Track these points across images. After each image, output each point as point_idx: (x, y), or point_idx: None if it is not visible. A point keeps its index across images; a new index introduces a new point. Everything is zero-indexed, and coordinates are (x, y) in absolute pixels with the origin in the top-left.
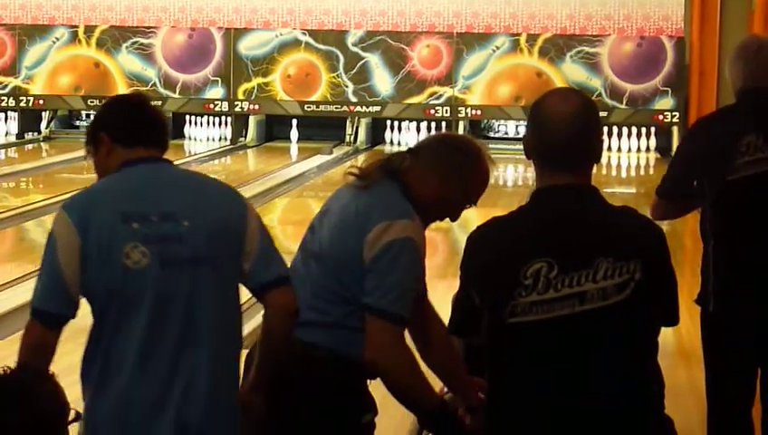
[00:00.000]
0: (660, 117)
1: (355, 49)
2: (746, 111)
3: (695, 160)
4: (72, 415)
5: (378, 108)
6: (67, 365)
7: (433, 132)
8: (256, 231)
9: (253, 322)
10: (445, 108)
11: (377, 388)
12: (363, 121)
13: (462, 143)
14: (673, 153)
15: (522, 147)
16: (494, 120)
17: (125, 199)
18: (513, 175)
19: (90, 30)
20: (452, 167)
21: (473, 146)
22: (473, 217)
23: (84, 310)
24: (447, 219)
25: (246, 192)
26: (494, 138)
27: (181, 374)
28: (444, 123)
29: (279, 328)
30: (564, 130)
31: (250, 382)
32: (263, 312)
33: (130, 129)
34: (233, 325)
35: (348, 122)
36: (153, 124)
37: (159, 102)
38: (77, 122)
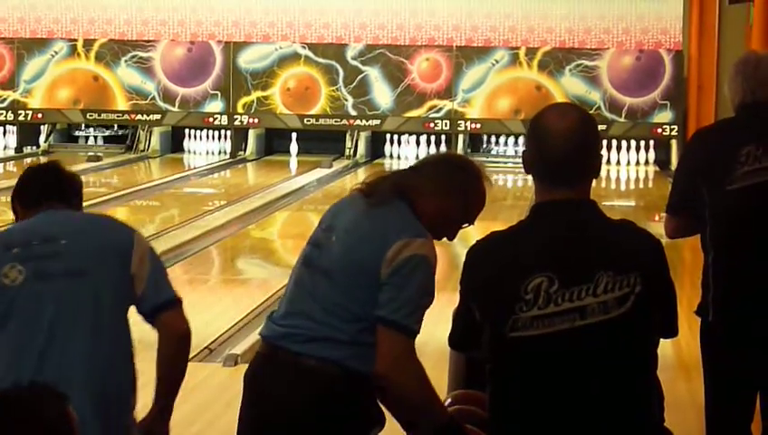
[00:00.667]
0: (659, 130)
1: (354, 62)
2: (746, 122)
3: (695, 171)
4: None
5: (377, 121)
6: None
7: (433, 146)
8: (145, 257)
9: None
10: (444, 121)
11: None
12: (363, 135)
13: (463, 163)
14: (673, 166)
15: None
16: (492, 138)
17: (12, 234)
18: (512, 189)
19: (89, 43)
20: (453, 185)
21: (473, 166)
22: (472, 232)
23: None
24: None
25: (246, 206)
26: (493, 156)
27: (46, 374)
28: (443, 136)
29: (171, 350)
30: (563, 146)
31: (152, 411)
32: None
33: (31, 193)
34: (111, 335)
35: (347, 136)
36: (52, 187)
37: (159, 116)
38: (76, 132)
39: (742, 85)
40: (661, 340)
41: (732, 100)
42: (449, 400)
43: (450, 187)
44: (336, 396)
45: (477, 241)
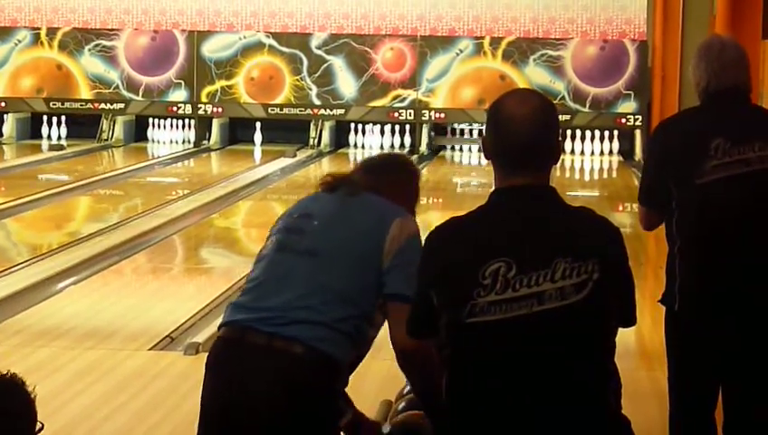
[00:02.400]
0: (623, 120)
1: (319, 52)
2: (712, 113)
3: (663, 163)
4: (38, 426)
5: (341, 111)
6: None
7: (397, 135)
8: None
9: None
10: (408, 111)
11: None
12: (327, 124)
13: (407, 162)
14: (637, 157)
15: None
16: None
17: None
18: (477, 177)
19: (52, 32)
20: (401, 183)
21: (413, 164)
22: (437, 220)
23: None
24: None
25: (210, 195)
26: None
27: None
28: (408, 126)
29: None
30: (522, 131)
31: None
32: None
33: None
34: None
35: (312, 125)
36: None
37: (122, 105)
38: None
39: (706, 70)
40: (623, 329)
41: (696, 84)
42: (407, 387)
43: (399, 185)
44: (307, 378)
45: (436, 227)
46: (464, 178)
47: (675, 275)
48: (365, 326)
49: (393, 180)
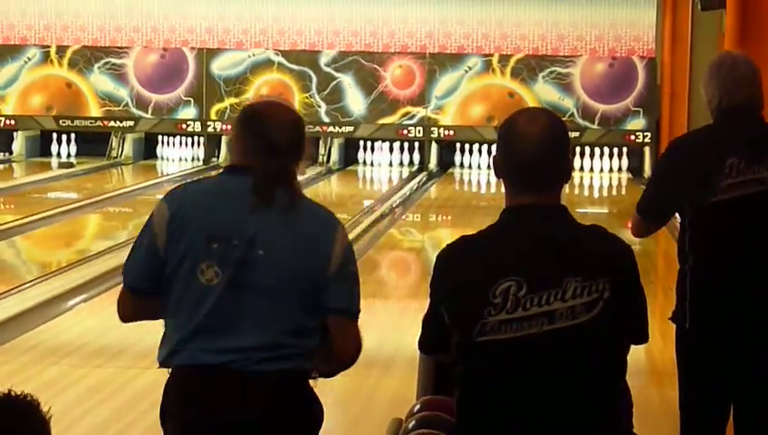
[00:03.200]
0: (632, 137)
1: (328, 69)
2: (726, 131)
3: (676, 181)
4: None
5: (351, 128)
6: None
7: (406, 153)
8: None
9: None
10: (417, 128)
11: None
12: (336, 142)
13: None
14: (646, 174)
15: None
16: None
17: None
18: (486, 194)
19: (62, 50)
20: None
21: (292, 111)
22: (447, 237)
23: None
24: (420, 239)
25: None
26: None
27: None
28: (417, 143)
29: None
30: (533, 150)
31: None
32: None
33: None
34: None
35: (321, 142)
36: None
37: (132, 123)
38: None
39: (718, 87)
40: (633, 347)
41: (708, 102)
42: (418, 406)
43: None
44: (295, 400)
45: (447, 245)
46: (473, 197)
47: (686, 293)
48: (320, 333)
49: (300, 150)
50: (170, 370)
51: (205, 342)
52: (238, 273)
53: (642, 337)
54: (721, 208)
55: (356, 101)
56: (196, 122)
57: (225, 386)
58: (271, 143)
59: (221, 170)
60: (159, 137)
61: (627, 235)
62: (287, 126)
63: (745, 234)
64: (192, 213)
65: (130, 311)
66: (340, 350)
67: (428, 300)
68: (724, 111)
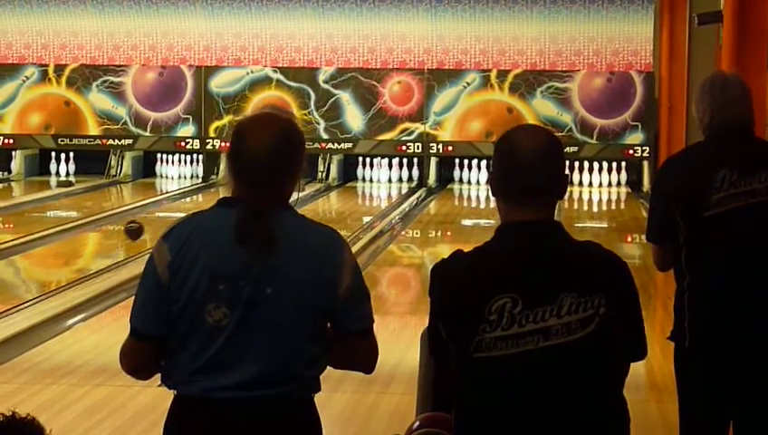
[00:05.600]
0: (631, 151)
1: (326, 86)
2: (717, 146)
3: (670, 199)
4: None
5: (349, 144)
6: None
7: (405, 169)
8: None
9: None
10: (416, 144)
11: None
12: (335, 158)
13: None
14: (645, 187)
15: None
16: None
17: None
18: (486, 209)
19: (60, 68)
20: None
21: (292, 124)
22: (446, 253)
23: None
24: (420, 255)
25: None
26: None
27: None
28: (416, 159)
29: None
30: (529, 166)
31: None
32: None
33: None
34: None
35: (320, 159)
36: None
37: (131, 141)
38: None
39: (710, 105)
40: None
41: (700, 120)
42: (417, 422)
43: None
44: (302, 429)
45: (442, 260)
46: (472, 212)
47: (684, 311)
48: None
49: (285, 172)
50: (175, 395)
51: (216, 376)
52: (248, 312)
53: (640, 353)
54: (715, 222)
55: (354, 118)
56: (195, 140)
57: (237, 419)
58: (249, 174)
59: (216, 202)
60: (158, 155)
61: (625, 249)
62: (263, 152)
63: (740, 246)
64: (194, 253)
65: (138, 361)
66: (361, 362)
67: (427, 316)
68: (716, 127)
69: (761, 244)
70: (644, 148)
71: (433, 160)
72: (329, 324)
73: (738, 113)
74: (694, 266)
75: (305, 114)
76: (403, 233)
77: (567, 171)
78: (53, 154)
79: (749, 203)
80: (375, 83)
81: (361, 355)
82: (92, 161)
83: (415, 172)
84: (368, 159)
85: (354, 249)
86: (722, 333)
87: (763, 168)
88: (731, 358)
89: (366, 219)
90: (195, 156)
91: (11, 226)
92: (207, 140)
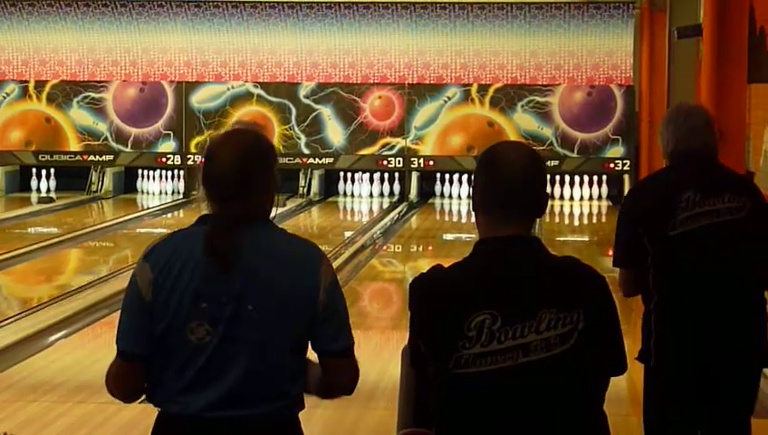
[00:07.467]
0: (611, 165)
1: (307, 101)
2: (681, 168)
3: (636, 222)
4: None
5: (330, 159)
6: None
7: (386, 183)
8: None
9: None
10: (397, 158)
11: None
12: (316, 173)
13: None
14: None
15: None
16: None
17: None
18: (467, 224)
19: (40, 85)
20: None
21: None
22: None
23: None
24: (402, 270)
25: None
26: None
27: None
28: (397, 174)
29: None
30: (509, 182)
31: None
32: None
33: None
34: None
35: (301, 174)
36: None
37: (111, 157)
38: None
39: (674, 133)
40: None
41: (664, 148)
42: None
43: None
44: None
45: (420, 275)
46: (453, 227)
47: (651, 332)
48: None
49: (252, 188)
50: (159, 412)
51: (199, 393)
52: (230, 330)
53: (619, 367)
54: (681, 241)
55: (335, 133)
56: (176, 156)
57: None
58: (218, 190)
59: (196, 220)
60: (139, 171)
61: (606, 263)
62: (227, 167)
63: (705, 267)
64: (176, 272)
65: (130, 384)
66: (341, 384)
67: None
68: (679, 154)
69: (726, 262)
70: (624, 161)
71: (414, 175)
72: (310, 345)
73: (702, 141)
74: (661, 287)
75: (286, 129)
76: (385, 248)
77: (548, 189)
78: (34, 170)
79: (714, 222)
80: (356, 98)
81: (340, 374)
82: (73, 177)
83: (396, 187)
84: (349, 174)
85: (336, 264)
86: (685, 352)
87: (726, 189)
88: (694, 379)
89: (347, 234)
90: (176, 171)
91: None
92: (188, 156)
